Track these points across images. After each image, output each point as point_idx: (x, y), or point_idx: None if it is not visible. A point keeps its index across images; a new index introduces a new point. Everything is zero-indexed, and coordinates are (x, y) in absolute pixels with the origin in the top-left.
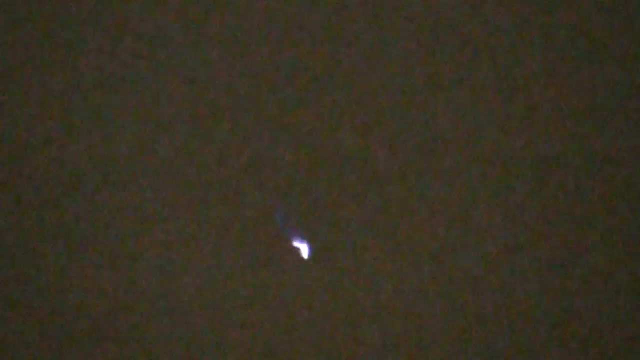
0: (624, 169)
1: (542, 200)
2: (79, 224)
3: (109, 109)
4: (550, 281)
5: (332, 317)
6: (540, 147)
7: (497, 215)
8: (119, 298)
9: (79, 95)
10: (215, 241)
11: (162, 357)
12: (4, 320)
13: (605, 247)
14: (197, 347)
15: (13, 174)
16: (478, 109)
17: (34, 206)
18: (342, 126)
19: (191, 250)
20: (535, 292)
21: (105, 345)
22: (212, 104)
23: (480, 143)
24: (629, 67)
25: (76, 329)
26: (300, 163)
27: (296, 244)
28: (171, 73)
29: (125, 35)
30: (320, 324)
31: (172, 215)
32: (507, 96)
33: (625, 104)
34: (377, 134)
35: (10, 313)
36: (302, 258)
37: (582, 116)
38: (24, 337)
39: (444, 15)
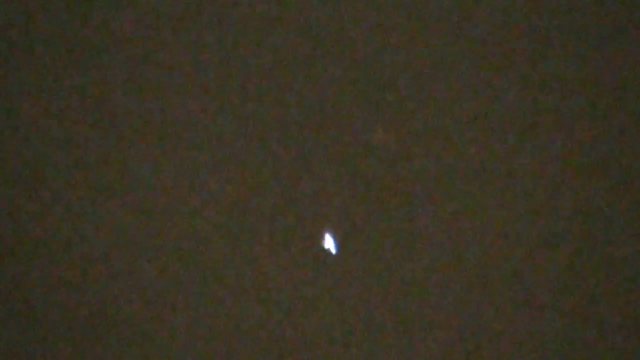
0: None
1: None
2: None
3: (116, 108)
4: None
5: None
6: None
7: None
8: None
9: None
10: (229, 243)
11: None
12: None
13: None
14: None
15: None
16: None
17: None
18: (370, 125)
19: (201, 254)
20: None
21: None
22: (224, 101)
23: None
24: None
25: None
26: (323, 161)
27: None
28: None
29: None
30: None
31: (181, 217)
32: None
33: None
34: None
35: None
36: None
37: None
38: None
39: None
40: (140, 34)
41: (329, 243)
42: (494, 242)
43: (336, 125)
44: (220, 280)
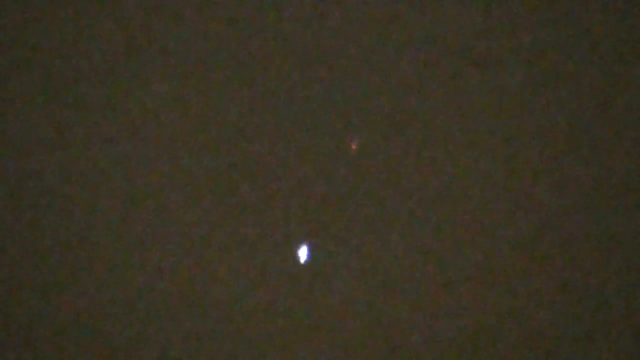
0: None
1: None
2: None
3: (110, 109)
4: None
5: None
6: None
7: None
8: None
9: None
10: (216, 245)
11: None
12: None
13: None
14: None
15: (15, 172)
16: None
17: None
18: (350, 128)
19: (189, 255)
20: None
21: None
22: (215, 103)
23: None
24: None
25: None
26: (304, 165)
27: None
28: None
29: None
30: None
31: (172, 219)
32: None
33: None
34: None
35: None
36: (301, 262)
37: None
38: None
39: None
40: (138, 35)
41: (304, 251)
42: (471, 252)
43: (315, 133)
44: (197, 284)
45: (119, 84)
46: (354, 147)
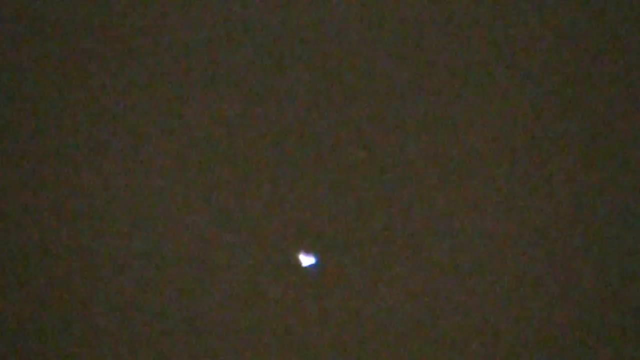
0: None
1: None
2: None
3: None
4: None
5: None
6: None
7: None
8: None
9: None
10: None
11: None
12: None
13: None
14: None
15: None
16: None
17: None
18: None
19: (190, 256)
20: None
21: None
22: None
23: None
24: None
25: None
26: (307, 170)
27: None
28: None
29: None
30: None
31: (174, 220)
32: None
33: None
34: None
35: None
36: (305, 267)
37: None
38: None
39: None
40: (136, 33)
41: (308, 258)
42: (482, 259)
43: (320, 140)
44: (202, 288)
45: (118, 83)
46: (362, 153)
